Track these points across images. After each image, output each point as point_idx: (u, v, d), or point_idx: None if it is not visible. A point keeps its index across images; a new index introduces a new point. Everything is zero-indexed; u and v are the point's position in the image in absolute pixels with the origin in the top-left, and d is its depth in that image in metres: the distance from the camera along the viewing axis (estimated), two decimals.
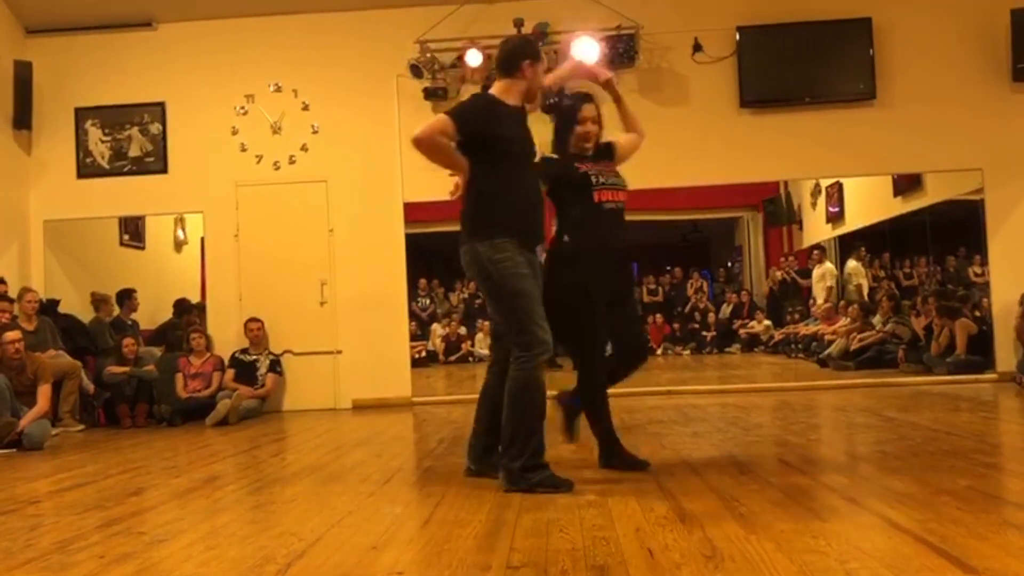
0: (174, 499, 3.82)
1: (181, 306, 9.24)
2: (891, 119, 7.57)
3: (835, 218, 12.42)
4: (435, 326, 13.95)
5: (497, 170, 3.59)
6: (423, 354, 12.90)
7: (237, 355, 7.71)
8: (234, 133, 8.01)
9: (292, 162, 7.99)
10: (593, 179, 3.81)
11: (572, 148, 3.92)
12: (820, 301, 11.97)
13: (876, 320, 10.15)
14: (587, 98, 3.95)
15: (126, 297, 8.69)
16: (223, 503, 3.69)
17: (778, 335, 12.59)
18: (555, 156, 3.91)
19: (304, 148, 7.98)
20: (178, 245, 10.48)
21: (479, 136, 3.57)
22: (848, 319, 10.58)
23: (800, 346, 11.56)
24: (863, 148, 7.64)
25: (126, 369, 7.41)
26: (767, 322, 13.20)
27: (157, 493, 4.02)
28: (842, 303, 11.34)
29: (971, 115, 7.51)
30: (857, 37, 7.54)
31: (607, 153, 4.02)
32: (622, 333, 3.86)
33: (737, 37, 7.58)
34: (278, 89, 8.01)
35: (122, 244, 9.56)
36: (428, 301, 14.31)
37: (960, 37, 7.54)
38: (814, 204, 13.08)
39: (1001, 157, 7.50)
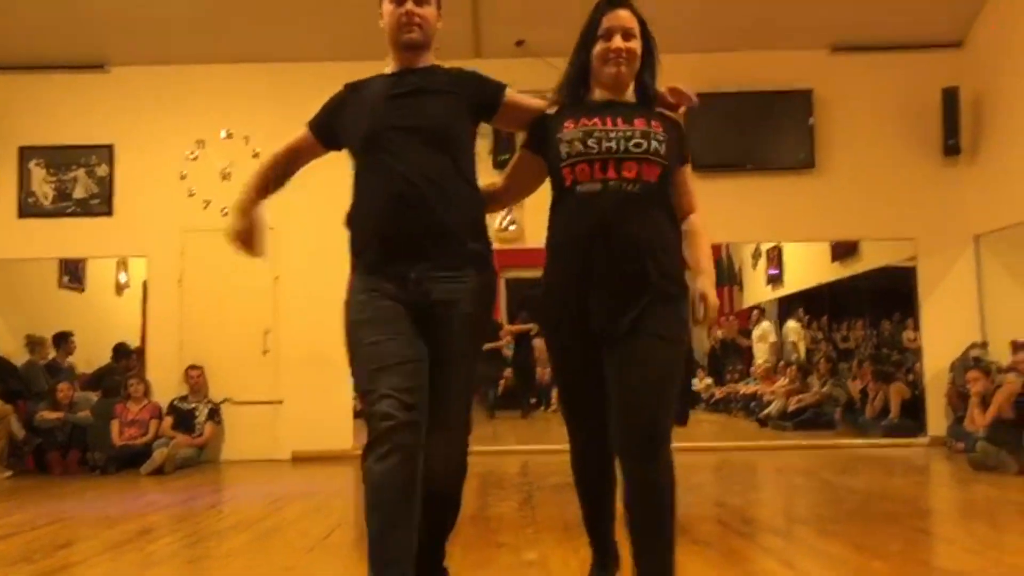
0: (105, 552, 3.72)
1: (120, 351, 9.06)
2: (829, 188, 7.83)
3: (775, 280, 12.74)
4: None
5: (356, 179, 2.62)
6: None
7: (176, 402, 7.57)
8: (183, 178, 7.95)
9: None
10: (566, 146, 2.42)
11: (595, 84, 2.53)
12: (760, 361, 12.19)
13: (814, 381, 10.37)
14: (618, 3, 2.51)
15: (63, 340, 8.51)
16: (157, 557, 3.61)
17: (719, 393, 12.76)
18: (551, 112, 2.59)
19: None
20: (119, 288, 10.32)
21: (334, 139, 2.75)
22: (787, 380, 10.79)
23: (740, 405, 11.73)
24: (802, 215, 7.88)
25: (59, 414, 7.22)
26: (708, 380, 13.38)
27: (87, 545, 3.92)
28: (781, 364, 11.56)
29: (905, 187, 7.80)
30: (798, 108, 7.82)
31: (646, 101, 2.54)
32: (616, 402, 2.36)
33: None
34: (229, 136, 8.00)
35: (61, 286, 9.39)
36: None
37: (895, 112, 7.86)
38: (754, 266, 13.41)
39: (933, 228, 7.79)
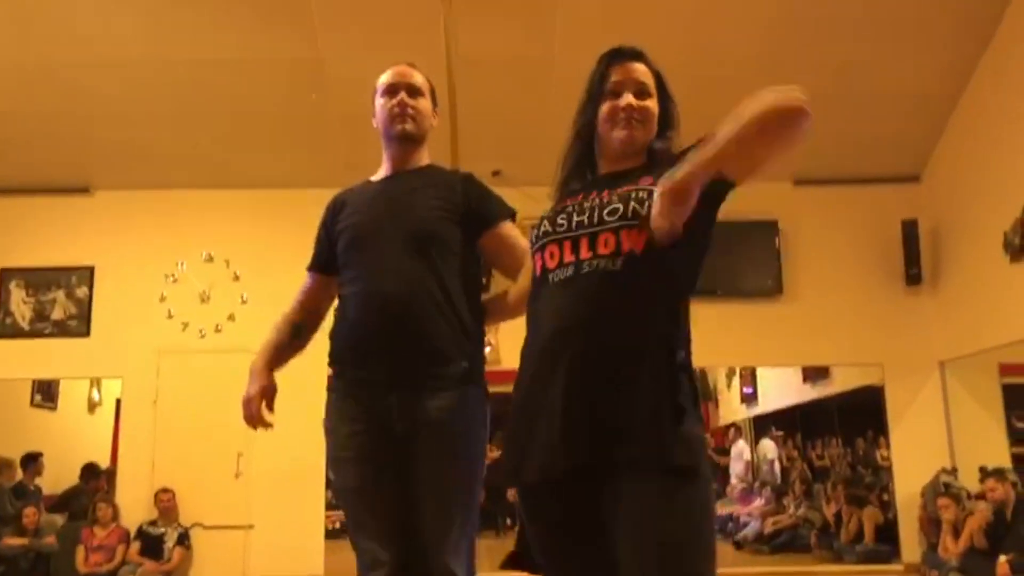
0: None
1: (89, 471, 8.93)
2: (797, 314, 8.03)
3: (749, 399, 12.84)
4: None
5: (340, 285, 2.47)
6: (338, 525, 12.52)
7: (144, 527, 7.44)
8: (162, 300, 8.03)
9: (218, 331, 8.01)
10: (535, 230, 1.92)
11: (600, 156, 1.98)
12: (735, 480, 12.16)
13: (789, 503, 10.35)
14: (629, 55, 1.98)
15: (31, 461, 8.39)
16: None
17: None
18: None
19: (231, 318, 8.03)
20: (92, 406, 10.24)
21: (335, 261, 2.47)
22: (762, 501, 10.76)
23: (717, 526, 11.62)
24: (771, 340, 8.04)
25: (24, 541, 7.08)
26: None
27: None
28: (757, 484, 11.55)
29: (870, 314, 8.01)
30: (765, 238, 8.09)
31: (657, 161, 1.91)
32: None
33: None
34: (210, 259, 8.13)
35: (33, 404, 9.31)
36: None
37: (858, 242, 8.14)
38: (729, 384, 13.52)
39: (899, 354, 7.96)
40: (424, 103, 2.47)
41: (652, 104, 1.96)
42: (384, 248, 2.29)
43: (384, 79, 2.51)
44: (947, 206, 7.84)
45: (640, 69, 1.96)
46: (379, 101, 2.49)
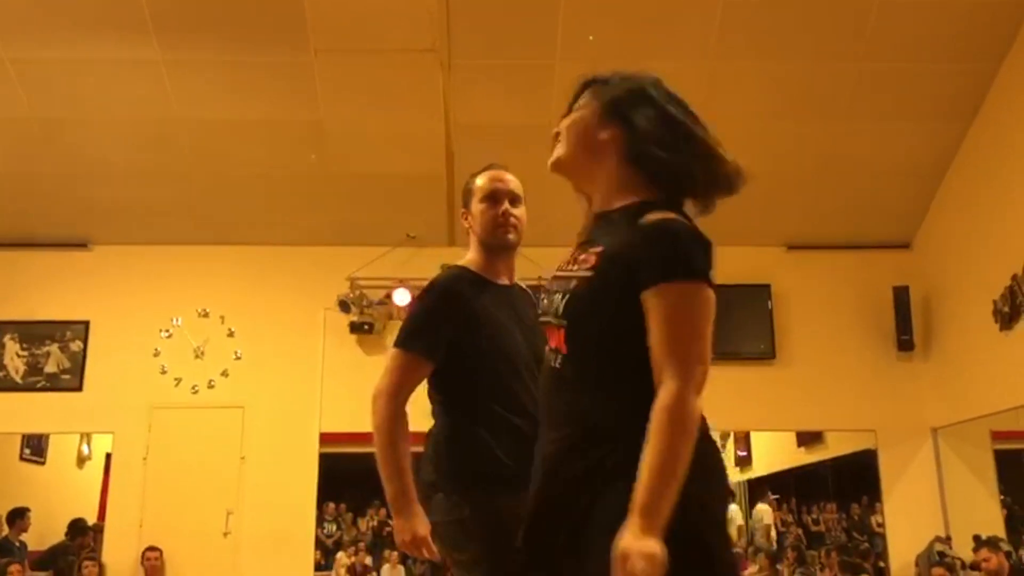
0: None
1: (76, 528, 8.81)
2: (790, 379, 8.05)
3: (743, 462, 12.75)
4: (340, 555, 13.42)
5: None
6: None
7: None
8: (156, 355, 8.03)
9: (211, 386, 8.00)
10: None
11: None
12: None
13: (783, 569, 10.22)
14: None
15: (18, 516, 8.27)
16: None
17: None
18: None
19: (225, 373, 8.02)
20: (81, 461, 10.14)
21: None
22: (756, 567, 10.62)
23: None
24: (765, 404, 8.05)
25: None
26: None
27: None
28: (751, 549, 11.41)
29: (863, 380, 8.03)
30: (758, 301, 8.14)
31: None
32: None
33: None
34: (205, 314, 8.15)
35: (22, 458, 9.23)
36: (335, 527, 13.86)
37: (850, 307, 8.19)
38: (723, 447, 13.43)
39: (892, 420, 7.96)
40: (523, 210, 2.53)
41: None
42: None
43: (483, 184, 2.52)
44: (938, 273, 7.92)
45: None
46: (479, 206, 2.49)
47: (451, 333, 2.33)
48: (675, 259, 1.56)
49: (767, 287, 8.18)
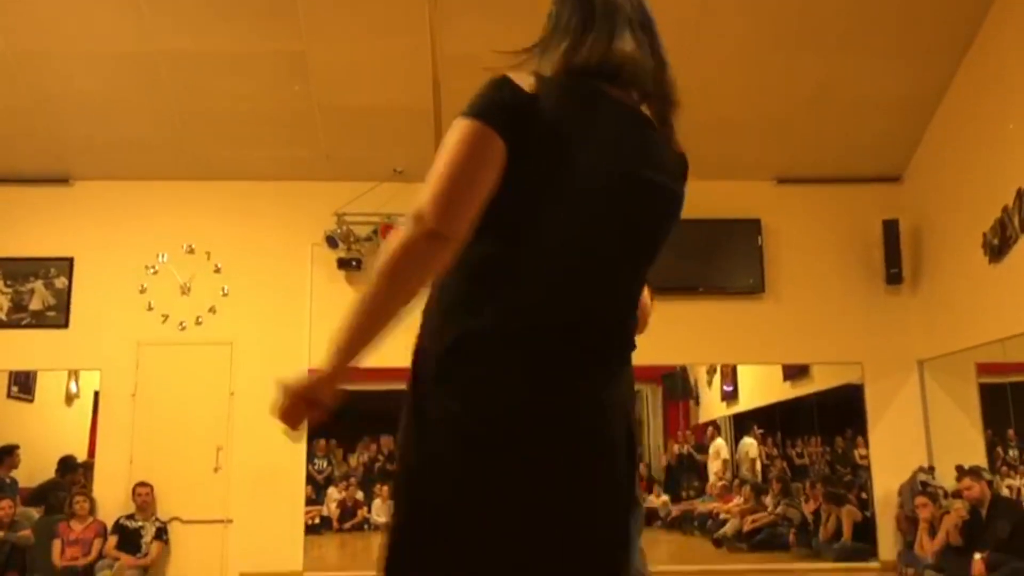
0: None
1: (66, 464, 8.85)
2: (778, 313, 8.07)
3: (729, 397, 12.88)
4: (331, 490, 13.59)
5: None
6: (317, 520, 12.49)
7: (122, 521, 7.38)
8: (142, 292, 7.97)
9: (199, 323, 7.96)
10: None
11: None
12: (713, 478, 12.21)
13: (768, 500, 10.40)
14: None
15: (7, 454, 8.30)
16: None
17: (675, 511, 12.70)
18: None
19: (212, 310, 7.98)
20: (69, 398, 10.14)
21: None
22: (741, 499, 10.81)
23: (696, 523, 11.68)
24: (752, 338, 8.07)
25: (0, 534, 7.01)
26: (665, 497, 13.32)
27: None
28: (736, 482, 11.60)
29: (851, 313, 8.06)
30: (747, 235, 8.12)
31: None
32: None
33: None
34: (191, 251, 8.07)
35: (10, 396, 9.22)
36: (326, 463, 13.99)
37: (840, 241, 8.18)
38: (710, 382, 13.56)
39: (878, 353, 8.02)
40: None
41: None
42: None
43: None
44: (928, 207, 7.90)
45: None
46: None
47: None
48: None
49: (756, 221, 8.15)
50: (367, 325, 1.48)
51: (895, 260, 7.95)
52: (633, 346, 1.62)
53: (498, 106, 1.45)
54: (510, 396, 1.43)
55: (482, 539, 1.42)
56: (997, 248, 6.72)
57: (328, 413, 1.51)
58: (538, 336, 1.45)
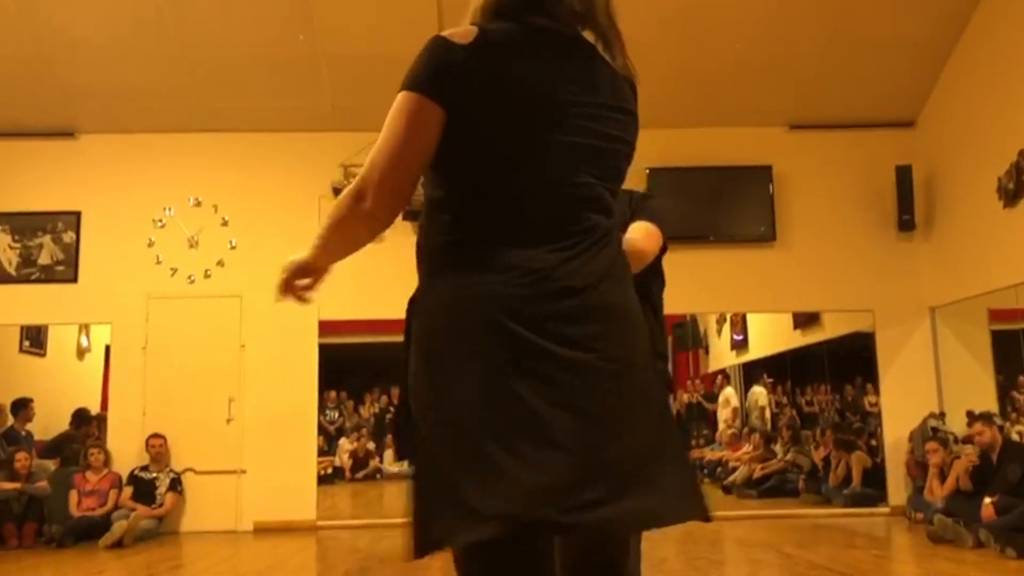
0: None
1: (80, 417, 8.93)
2: (789, 261, 8.01)
3: (739, 346, 12.86)
4: (343, 440, 13.71)
5: None
6: (329, 470, 12.63)
7: (136, 472, 7.46)
8: (150, 245, 7.96)
9: (207, 276, 7.96)
10: None
11: None
12: (723, 426, 12.26)
13: (777, 448, 10.44)
14: None
15: (21, 407, 8.38)
16: None
17: None
18: None
19: (220, 263, 7.97)
20: (81, 353, 10.20)
21: None
22: (751, 447, 10.86)
23: (706, 471, 11.75)
24: (763, 286, 8.03)
25: (16, 485, 7.08)
26: None
27: None
28: (745, 430, 11.64)
29: (862, 260, 8.00)
30: (758, 183, 8.03)
31: None
32: None
33: (648, 176, 7.97)
34: (198, 204, 8.04)
35: (22, 351, 9.27)
36: (337, 414, 14.10)
37: (852, 188, 8.09)
38: (719, 331, 13.54)
39: (890, 300, 7.97)
40: None
41: None
42: None
43: None
44: (942, 152, 7.79)
45: None
46: None
47: None
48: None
49: (768, 168, 8.05)
50: (324, 247, 1.76)
51: (908, 206, 7.86)
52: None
53: (430, 72, 1.55)
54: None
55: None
56: (1012, 192, 6.63)
57: (309, 289, 1.85)
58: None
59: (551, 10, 1.64)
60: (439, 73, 1.55)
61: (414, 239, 1.69)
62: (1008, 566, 4.96)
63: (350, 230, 1.67)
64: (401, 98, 1.56)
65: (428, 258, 1.64)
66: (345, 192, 1.62)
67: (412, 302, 1.65)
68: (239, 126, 8.00)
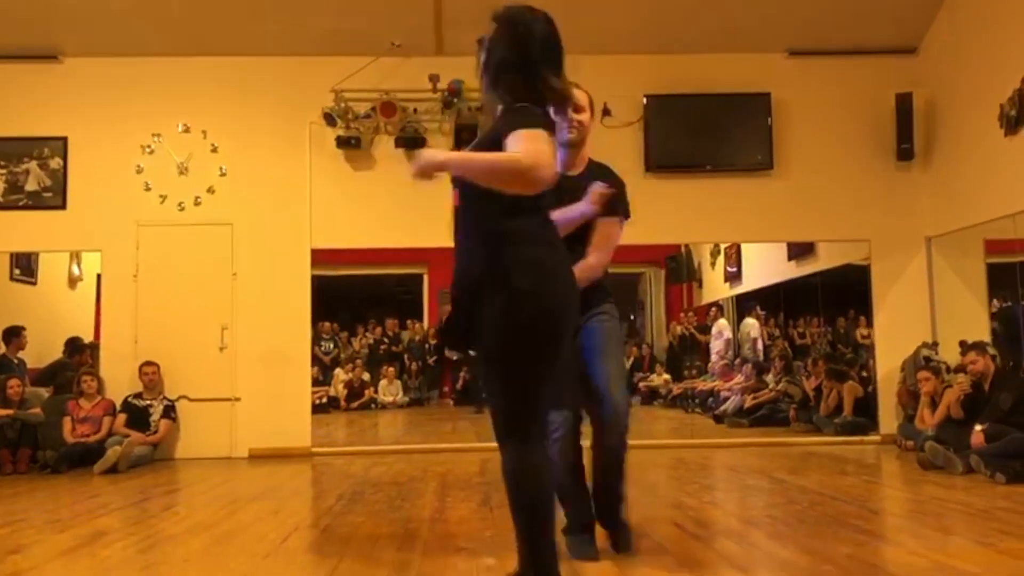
0: (58, 558, 3.68)
1: (73, 345, 8.91)
2: (786, 190, 7.94)
3: (733, 278, 12.88)
4: (338, 371, 13.77)
5: None
6: (324, 400, 12.70)
7: (130, 399, 7.47)
8: (138, 172, 7.84)
9: (197, 203, 7.85)
10: None
11: None
12: (715, 357, 12.33)
13: (769, 379, 10.52)
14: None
15: (13, 335, 8.34)
16: (110, 563, 3.57)
17: (676, 389, 12.89)
18: None
19: (211, 190, 7.86)
20: (72, 281, 10.14)
21: None
22: (743, 377, 10.93)
23: (697, 401, 11.86)
24: (760, 216, 7.97)
25: (10, 412, 7.08)
26: (666, 376, 13.50)
27: (39, 551, 3.87)
28: (737, 360, 11.71)
29: (860, 190, 7.93)
30: (756, 111, 7.91)
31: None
32: None
33: (644, 104, 7.85)
34: (187, 130, 7.89)
35: (12, 279, 9.21)
36: (332, 345, 14.14)
37: (851, 116, 7.98)
38: (713, 264, 13.54)
39: (887, 230, 7.93)
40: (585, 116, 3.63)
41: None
42: None
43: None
44: (943, 79, 7.67)
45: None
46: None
47: None
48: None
49: (766, 96, 7.93)
50: (471, 167, 2.44)
51: (907, 135, 7.77)
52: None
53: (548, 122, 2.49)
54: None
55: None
56: (1014, 120, 6.55)
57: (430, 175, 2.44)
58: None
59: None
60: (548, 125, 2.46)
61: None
62: (997, 491, 5.01)
63: (507, 175, 2.33)
64: (541, 132, 2.37)
65: None
66: (517, 156, 2.29)
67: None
68: (226, 49, 7.81)
